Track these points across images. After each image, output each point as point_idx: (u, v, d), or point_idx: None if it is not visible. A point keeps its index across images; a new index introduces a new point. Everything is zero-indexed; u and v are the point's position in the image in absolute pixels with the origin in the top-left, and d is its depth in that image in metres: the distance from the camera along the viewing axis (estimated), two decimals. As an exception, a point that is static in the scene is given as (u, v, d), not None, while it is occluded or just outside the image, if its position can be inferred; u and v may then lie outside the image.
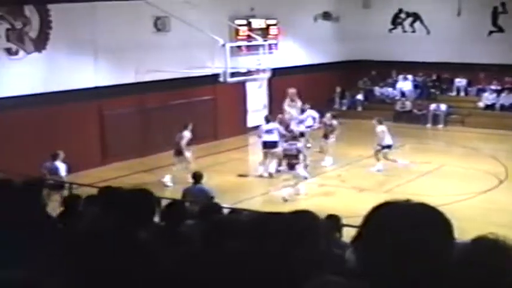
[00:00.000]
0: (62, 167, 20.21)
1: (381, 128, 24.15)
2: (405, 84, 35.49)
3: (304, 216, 3.91)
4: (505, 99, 33.11)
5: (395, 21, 36.40)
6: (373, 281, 2.35)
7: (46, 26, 23.85)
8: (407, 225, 2.36)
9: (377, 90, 36.09)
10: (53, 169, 20.03)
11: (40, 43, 23.78)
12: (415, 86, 35.42)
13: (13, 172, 13.88)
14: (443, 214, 2.46)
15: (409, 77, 35.54)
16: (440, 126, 32.76)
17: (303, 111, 27.02)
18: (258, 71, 27.28)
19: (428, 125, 32.81)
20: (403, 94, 35.08)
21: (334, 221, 11.49)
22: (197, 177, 16.50)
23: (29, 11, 23.42)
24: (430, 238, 2.35)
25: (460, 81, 34.76)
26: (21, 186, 6.80)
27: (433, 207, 2.49)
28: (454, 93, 34.96)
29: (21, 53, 23.37)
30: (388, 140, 23.90)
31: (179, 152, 22.97)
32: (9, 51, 23.04)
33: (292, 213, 3.95)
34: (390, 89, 35.71)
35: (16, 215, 5.87)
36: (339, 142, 25.47)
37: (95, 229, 4.82)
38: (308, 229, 3.72)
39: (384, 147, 23.85)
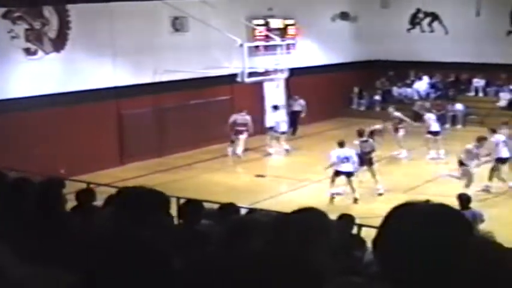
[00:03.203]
0: (353, 154, 20.70)
1: None
2: (420, 84, 35.38)
3: (309, 215, 3.88)
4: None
5: (414, 21, 36.28)
6: (393, 281, 2.34)
7: (65, 27, 23.95)
8: (427, 225, 2.35)
9: (395, 90, 35.96)
10: (344, 159, 20.42)
11: (59, 43, 23.88)
12: (431, 86, 35.28)
13: (30, 172, 13.95)
14: (464, 215, 2.45)
15: (425, 77, 35.43)
16: (459, 126, 32.62)
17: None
18: (275, 71, 27.30)
19: (447, 126, 32.66)
20: (419, 94, 34.95)
21: (348, 221, 11.50)
22: (464, 201, 14.90)
23: (48, 11, 23.53)
24: (450, 238, 2.34)
25: (478, 82, 34.60)
26: (38, 185, 6.84)
27: (452, 207, 2.48)
28: (472, 94, 34.82)
29: (40, 53, 23.48)
30: None
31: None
32: (27, 51, 23.15)
33: (296, 211, 3.92)
34: (409, 89, 35.58)
35: (34, 214, 5.89)
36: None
37: (100, 229, 4.85)
38: (313, 227, 3.68)
39: None
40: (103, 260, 2.64)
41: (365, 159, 21.62)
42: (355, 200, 20.37)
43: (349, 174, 20.47)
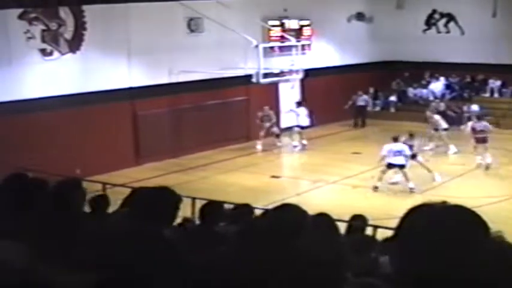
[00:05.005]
0: (406, 148, 22.09)
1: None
2: (436, 85, 35.25)
3: (287, 211, 3.88)
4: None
5: (429, 21, 36.16)
6: (409, 282, 2.33)
7: (81, 27, 24.01)
8: (443, 227, 2.34)
9: (410, 91, 35.85)
10: (396, 152, 21.91)
11: (74, 44, 23.94)
12: (447, 87, 35.15)
13: (46, 172, 13.97)
14: (480, 216, 2.43)
15: (441, 78, 35.31)
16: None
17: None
18: (290, 72, 27.28)
19: (463, 127, 32.51)
20: (434, 95, 34.83)
21: (361, 221, 11.47)
22: None
23: (64, 12, 23.58)
24: (467, 240, 2.33)
25: (494, 83, 34.46)
26: (55, 186, 6.83)
27: (469, 209, 2.46)
28: (487, 95, 34.67)
29: (56, 53, 23.54)
30: None
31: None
32: (43, 52, 23.22)
33: (276, 209, 3.91)
34: (424, 90, 35.45)
35: (50, 215, 5.89)
36: (373, 143, 25.49)
37: (118, 229, 4.85)
38: (291, 224, 3.67)
39: None
40: (118, 258, 2.65)
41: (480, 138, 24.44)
42: (411, 189, 21.54)
43: (401, 167, 21.97)
